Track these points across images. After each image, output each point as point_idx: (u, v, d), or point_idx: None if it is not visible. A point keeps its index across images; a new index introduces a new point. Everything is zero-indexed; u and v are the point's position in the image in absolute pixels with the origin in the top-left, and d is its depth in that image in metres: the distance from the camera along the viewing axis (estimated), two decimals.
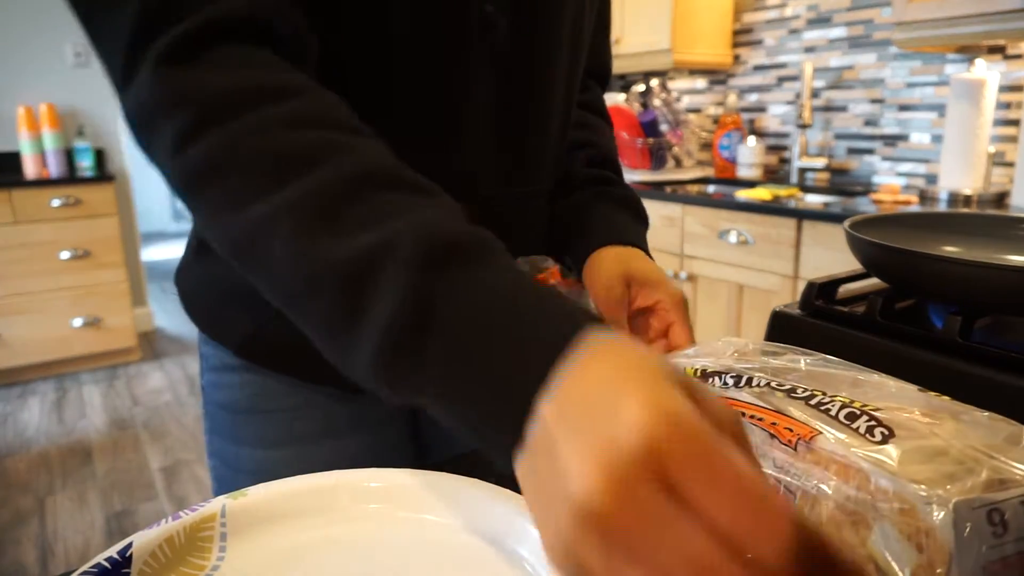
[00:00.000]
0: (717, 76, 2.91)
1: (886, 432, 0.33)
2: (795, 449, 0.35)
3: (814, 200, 2.30)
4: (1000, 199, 1.98)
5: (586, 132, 0.71)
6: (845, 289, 0.70)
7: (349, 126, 0.39)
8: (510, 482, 0.44)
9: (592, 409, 0.26)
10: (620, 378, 0.26)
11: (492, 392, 0.30)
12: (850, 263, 0.69)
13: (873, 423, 0.34)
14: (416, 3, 0.50)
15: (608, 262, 0.60)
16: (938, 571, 0.28)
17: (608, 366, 0.28)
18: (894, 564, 0.29)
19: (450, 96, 0.54)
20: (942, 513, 0.28)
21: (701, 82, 3.00)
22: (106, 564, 0.36)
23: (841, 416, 0.35)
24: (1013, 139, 2.03)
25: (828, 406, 0.36)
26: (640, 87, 2.95)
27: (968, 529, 0.27)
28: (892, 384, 0.39)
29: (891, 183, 2.26)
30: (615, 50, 2.91)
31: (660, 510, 0.24)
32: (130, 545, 0.38)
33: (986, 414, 0.35)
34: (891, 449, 0.32)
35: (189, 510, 0.41)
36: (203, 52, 0.39)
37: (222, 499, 0.42)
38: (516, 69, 0.57)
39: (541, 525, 0.28)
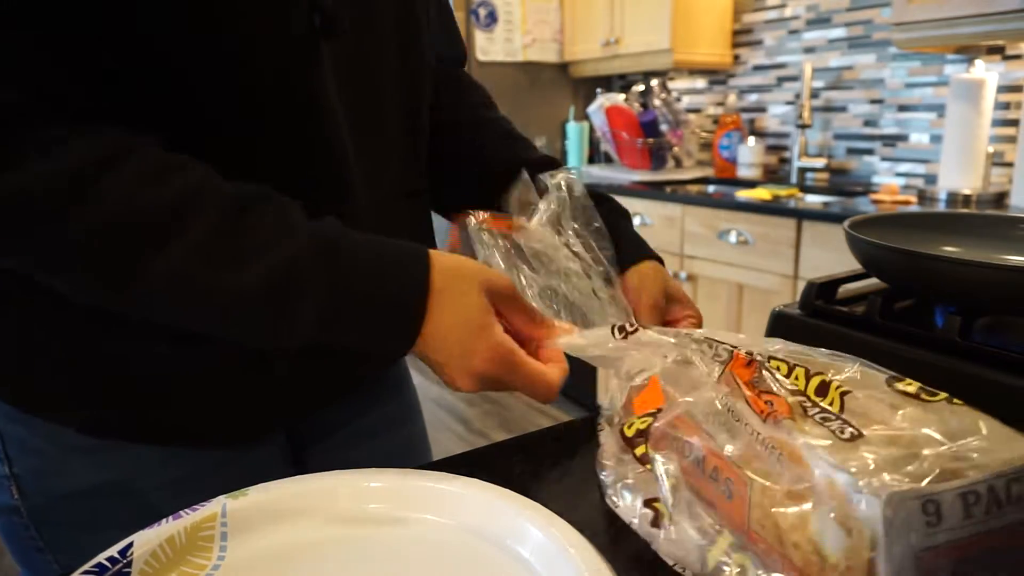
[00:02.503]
0: (717, 76, 2.91)
1: (855, 432, 0.34)
2: (764, 422, 0.36)
3: (814, 200, 2.30)
4: (999, 199, 1.98)
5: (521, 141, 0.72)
6: (845, 289, 0.70)
7: (180, 163, 0.44)
8: (510, 482, 0.44)
9: (454, 338, 0.48)
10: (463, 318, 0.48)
11: (394, 324, 0.47)
12: (850, 263, 0.69)
13: (844, 424, 0.35)
14: (252, 9, 0.47)
15: (651, 278, 0.65)
16: (865, 556, 0.29)
17: (451, 302, 0.48)
18: (827, 547, 0.31)
19: (310, 101, 0.52)
20: (871, 501, 0.29)
21: (701, 82, 3.00)
22: (107, 563, 0.36)
23: (816, 416, 0.36)
24: (1012, 139, 2.03)
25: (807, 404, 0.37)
26: (640, 87, 2.96)
27: (899, 518, 0.28)
28: (858, 376, 0.40)
29: (890, 183, 2.26)
30: (615, 50, 2.91)
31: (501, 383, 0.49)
32: (131, 545, 0.38)
33: (943, 398, 0.36)
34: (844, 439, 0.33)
35: (190, 510, 0.41)
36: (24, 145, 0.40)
37: (222, 499, 0.42)
38: (354, 66, 0.55)
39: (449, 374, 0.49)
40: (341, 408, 0.66)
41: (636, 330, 0.50)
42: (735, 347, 0.44)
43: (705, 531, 0.38)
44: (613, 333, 0.51)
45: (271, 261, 0.44)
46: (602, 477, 0.46)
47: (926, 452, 0.31)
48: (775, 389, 0.39)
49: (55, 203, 0.40)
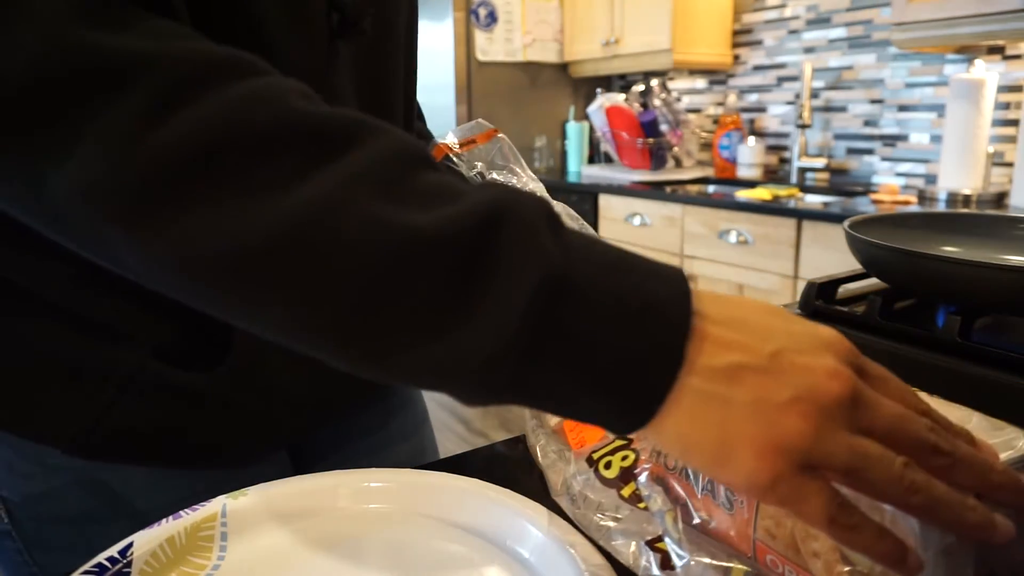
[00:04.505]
0: (717, 76, 2.91)
1: None
2: None
3: (814, 200, 2.30)
4: (999, 199, 1.98)
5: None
6: (845, 289, 0.70)
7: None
8: (510, 482, 0.44)
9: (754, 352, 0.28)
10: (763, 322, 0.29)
11: (636, 366, 0.28)
12: (850, 263, 0.69)
13: None
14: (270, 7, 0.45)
15: None
16: None
17: (732, 308, 0.30)
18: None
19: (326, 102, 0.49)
20: None
21: (701, 82, 3.00)
22: (107, 563, 0.36)
23: None
24: (1012, 139, 2.03)
25: None
26: (640, 87, 2.96)
27: None
28: None
29: (890, 183, 2.26)
30: (615, 50, 2.91)
31: (865, 444, 0.27)
32: (131, 545, 0.38)
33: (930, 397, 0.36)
34: None
35: (190, 510, 0.41)
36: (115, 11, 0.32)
37: (222, 499, 0.42)
38: (370, 71, 0.54)
39: (734, 469, 0.28)
40: (346, 424, 0.64)
41: None
42: None
43: (716, 561, 0.35)
44: None
45: (463, 204, 0.29)
46: (596, 522, 0.42)
47: None
48: None
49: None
